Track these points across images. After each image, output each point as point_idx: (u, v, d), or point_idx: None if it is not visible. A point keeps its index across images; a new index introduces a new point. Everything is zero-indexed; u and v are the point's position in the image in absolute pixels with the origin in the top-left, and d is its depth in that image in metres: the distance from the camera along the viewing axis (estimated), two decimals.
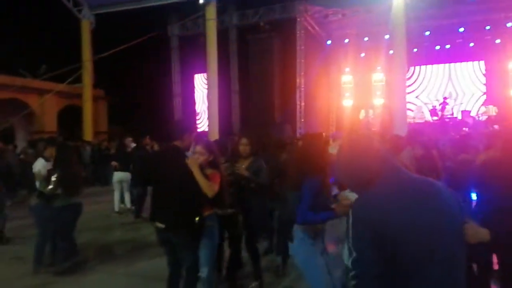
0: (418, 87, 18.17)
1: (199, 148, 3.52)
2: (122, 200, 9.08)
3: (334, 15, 17.06)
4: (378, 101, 18.14)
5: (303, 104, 16.64)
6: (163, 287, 4.50)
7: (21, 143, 16.20)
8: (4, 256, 5.86)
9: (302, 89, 16.60)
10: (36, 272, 5.01)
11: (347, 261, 1.59)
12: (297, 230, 3.04)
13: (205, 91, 17.10)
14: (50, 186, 4.92)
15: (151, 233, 6.85)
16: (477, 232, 1.69)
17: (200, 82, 21.12)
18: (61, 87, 16.71)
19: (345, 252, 2.72)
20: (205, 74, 16.52)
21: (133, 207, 8.75)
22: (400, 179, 1.64)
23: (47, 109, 18.14)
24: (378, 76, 18.24)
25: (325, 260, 3.04)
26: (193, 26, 19.69)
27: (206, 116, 16.57)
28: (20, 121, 17.57)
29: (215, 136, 12.46)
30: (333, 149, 2.66)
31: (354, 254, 1.54)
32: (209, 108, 14.69)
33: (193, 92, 21.76)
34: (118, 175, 8.70)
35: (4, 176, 9.09)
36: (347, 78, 19.38)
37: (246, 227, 4.32)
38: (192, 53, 19.37)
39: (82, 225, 5.64)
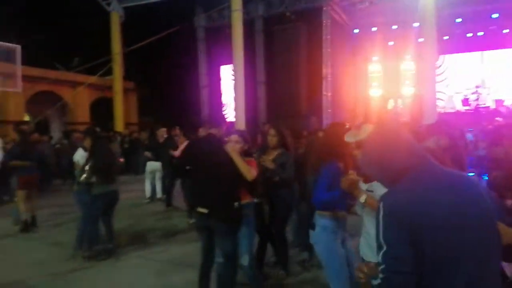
0: (449, 76, 17.66)
1: (235, 137, 3.64)
2: (153, 189, 9.38)
3: (361, 3, 16.78)
4: (407, 90, 17.77)
5: (329, 94, 16.53)
6: (193, 273, 4.69)
7: (56, 134, 16.85)
8: (44, 241, 6.20)
9: (329, 79, 16.47)
10: (76, 255, 5.29)
11: (377, 255, 1.56)
12: (319, 218, 3.06)
13: (232, 82, 17.20)
14: (84, 175, 5.20)
15: (181, 221, 7.11)
16: (507, 233, 1.60)
17: (227, 73, 21.24)
18: (92, 79, 17.22)
19: (362, 245, 2.76)
20: (231, 65, 16.59)
21: (164, 196, 9.02)
22: (432, 172, 1.59)
23: (80, 101, 18.73)
24: (407, 65, 17.82)
25: (345, 250, 3.05)
26: (218, 18, 19.77)
27: (233, 107, 16.70)
28: (55, 113, 18.23)
29: (241, 127, 12.57)
30: (349, 138, 2.68)
31: (385, 248, 1.50)
32: (235, 99, 14.79)
33: (220, 83, 21.92)
34: (151, 165, 8.97)
35: (40, 166, 9.58)
36: (375, 68, 19.04)
37: (271, 217, 4.41)
38: (218, 45, 19.45)
39: (115, 212, 5.89)
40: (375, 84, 19.01)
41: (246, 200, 3.64)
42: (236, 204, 3.46)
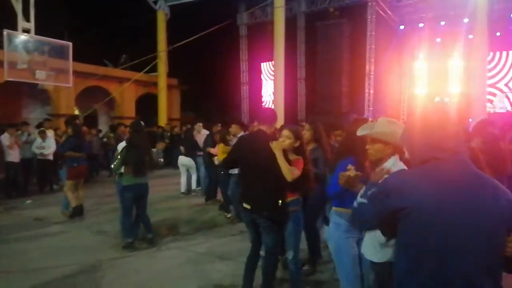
0: (501, 75, 16.72)
1: (286, 132, 3.59)
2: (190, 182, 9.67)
3: None
4: (455, 89, 17.03)
5: (372, 92, 16.19)
6: (229, 265, 4.81)
7: (104, 127, 17.62)
8: (89, 229, 6.54)
9: (372, 76, 16.14)
10: (118, 244, 5.55)
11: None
12: (334, 214, 3.03)
13: (272, 79, 17.22)
14: (114, 163, 5.48)
15: (218, 214, 7.26)
16: None
17: (267, 70, 21.31)
18: (138, 76, 17.84)
19: (366, 243, 2.75)
20: (272, 62, 16.61)
21: (198, 188, 9.25)
22: (455, 168, 1.59)
23: (126, 97, 19.47)
24: (455, 63, 17.07)
25: (359, 250, 2.93)
26: (261, 15, 19.85)
27: (272, 104, 16.71)
28: (103, 107, 19.07)
29: (279, 124, 12.55)
30: (361, 131, 2.64)
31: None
32: (275, 95, 14.80)
33: (260, 81, 22.03)
34: (181, 160, 9.22)
35: (89, 158, 10.11)
36: (421, 65, 18.39)
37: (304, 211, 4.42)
38: (260, 42, 19.53)
39: (154, 205, 6.10)
40: (420, 82, 18.37)
41: (293, 197, 3.62)
42: (279, 202, 3.45)
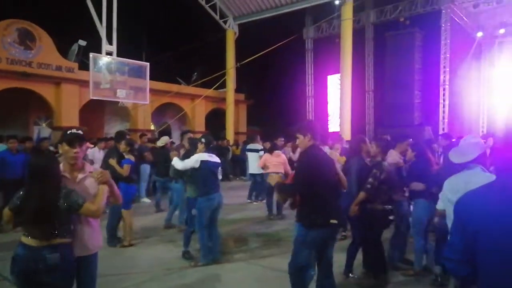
0: None
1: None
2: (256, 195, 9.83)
3: (486, 3, 15.30)
4: None
5: (447, 103, 15.39)
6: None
7: (176, 141, 18.55)
8: (163, 238, 6.89)
9: (446, 86, 15.36)
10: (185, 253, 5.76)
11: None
12: None
13: (338, 92, 17.02)
14: None
15: (283, 229, 7.28)
16: None
17: (333, 83, 21.12)
18: (209, 92, 18.62)
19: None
20: (339, 75, 16.46)
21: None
22: None
23: (197, 112, 20.39)
24: None
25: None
26: (327, 27, 19.83)
27: (338, 117, 16.49)
28: (176, 122, 20.14)
29: (347, 137, 12.36)
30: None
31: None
32: (341, 109, 14.63)
33: (326, 94, 21.89)
34: None
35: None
36: (502, 73, 17.08)
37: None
38: (326, 55, 19.49)
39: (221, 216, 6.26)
40: (502, 92, 17.03)
41: None
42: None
